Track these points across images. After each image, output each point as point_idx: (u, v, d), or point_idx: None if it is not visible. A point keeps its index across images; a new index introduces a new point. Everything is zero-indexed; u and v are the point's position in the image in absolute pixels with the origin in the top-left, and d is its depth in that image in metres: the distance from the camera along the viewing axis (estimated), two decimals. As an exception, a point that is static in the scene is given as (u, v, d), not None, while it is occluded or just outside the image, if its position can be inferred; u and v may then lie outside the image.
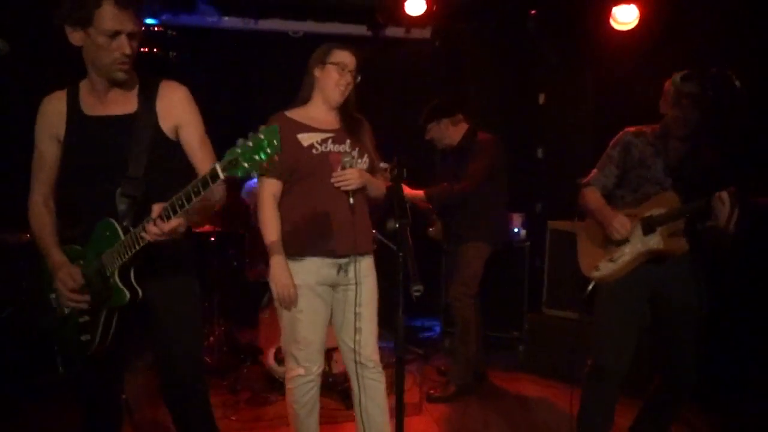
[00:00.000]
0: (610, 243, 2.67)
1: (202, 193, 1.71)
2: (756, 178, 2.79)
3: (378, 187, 2.52)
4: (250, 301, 4.32)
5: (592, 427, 2.71)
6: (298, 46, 5.33)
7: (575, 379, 2.87)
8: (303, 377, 2.45)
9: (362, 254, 2.48)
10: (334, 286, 2.48)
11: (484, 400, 3.73)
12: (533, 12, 4.83)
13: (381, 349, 2.57)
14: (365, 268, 2.49)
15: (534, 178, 4.99)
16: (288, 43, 5.28)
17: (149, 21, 4.76)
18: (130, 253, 1.88)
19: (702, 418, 3.40)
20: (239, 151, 1.61)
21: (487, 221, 3.75)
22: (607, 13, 4.12)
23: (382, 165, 2.59)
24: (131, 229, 1.89)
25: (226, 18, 5.09)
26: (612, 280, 2.66)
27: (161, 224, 1.77)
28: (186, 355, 2.13)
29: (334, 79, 2.42)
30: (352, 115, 2.51)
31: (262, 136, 1.60)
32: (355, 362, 2.48)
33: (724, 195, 2.42)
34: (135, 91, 2.04)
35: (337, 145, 2.43)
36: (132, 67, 1.96)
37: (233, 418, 3.40)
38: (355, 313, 2.44)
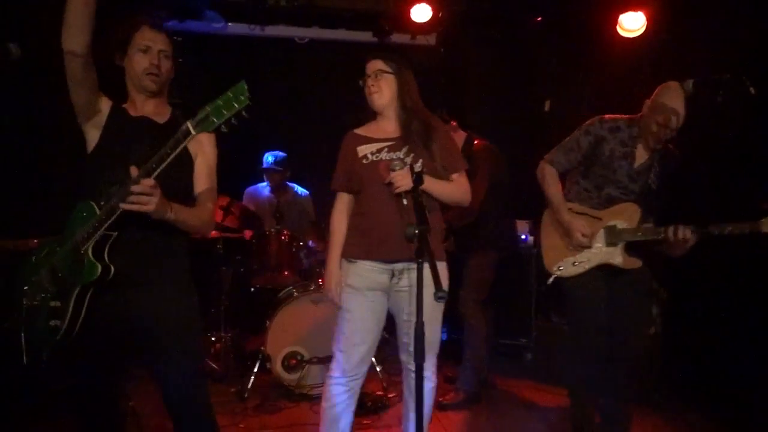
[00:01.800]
0: (572, 244, 2.80)
1: (176, 151, 1.83)
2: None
3: (444, 188, 2.47)
4: (257, 308, 4.30)
5: (581, 408, 2.91)
6: (303, 53, 5.37)
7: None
8: (336, 378, 2.49)
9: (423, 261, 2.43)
10: (388, 293, 2.52)
11: (493, 408, 3.71)
12: (539, 19, 4.86)
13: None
14: (426, 275, 2.39)
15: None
16: (294, 49, 5.30)
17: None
18: (104, 225, 1.92)
19: (703, 421, 3.40)
20: (209, 108, 1.77)
21: (492, 229, 3.75)
22: (614, 20, 4.12)
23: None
24: (105, 208, 1.93)
25: (232, 24, 5.10)
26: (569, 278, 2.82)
27: (134, 186, 1.83)
28: (184, 370, 2.12)
29: (366, 89, 2.53)
30: (418, 121, 2.49)
31: (230, 94, 1.75)
32: (405, 367, 2.54)
33: (687, 234, 2.55)
34: (168, 116, 2.21)
35: (391, 153, 2.46)
36: (163, 87, 2.15)
37: (241, 425, 3.37)
38: (404, 321, 2.50)
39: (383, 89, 2.50)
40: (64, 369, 2.18)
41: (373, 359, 3.83)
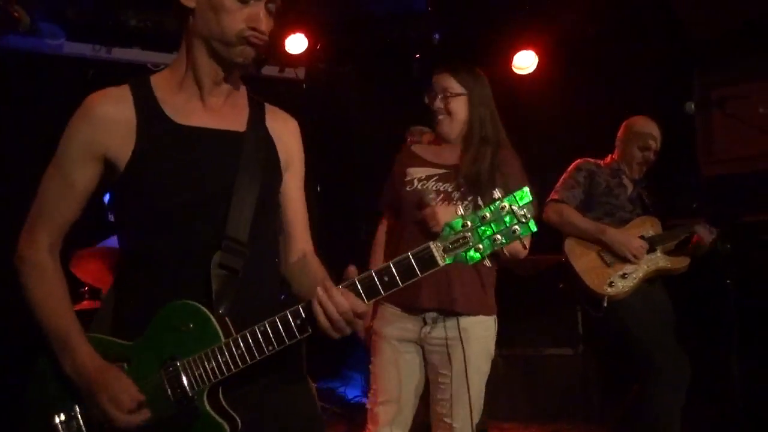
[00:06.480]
0: (613, 260, 2.76)
1: (398, 285, 1.19)
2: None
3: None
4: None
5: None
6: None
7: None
8: None
9: (461, 314, 2.03)
10: (420, 344, 2.10)
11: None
12: (417, 56, 4.88)
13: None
14: (463, 330, 2.02)
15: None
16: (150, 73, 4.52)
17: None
18: (239, 365, 1.23)
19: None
20: (471, 223, 1.16)
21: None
22: (509, 59, 4.30)
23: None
24: (227, 320, 1.26)
25: (73, 43, 4.16)
26: (623, 296, 2.74)
27: (352, 300, 1.18)
28: None
29: (433, 107, 2.12)
30: (486, 154, 2.05)
31: (507, 204, 1.13)
32: None
33: (706, 226, 2.76)
34: (244, 103, 1.43)
35: (440, 184, 2.08)
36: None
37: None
38: (434, 381, 2.11)
39: (454, 113, 2.08)
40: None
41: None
